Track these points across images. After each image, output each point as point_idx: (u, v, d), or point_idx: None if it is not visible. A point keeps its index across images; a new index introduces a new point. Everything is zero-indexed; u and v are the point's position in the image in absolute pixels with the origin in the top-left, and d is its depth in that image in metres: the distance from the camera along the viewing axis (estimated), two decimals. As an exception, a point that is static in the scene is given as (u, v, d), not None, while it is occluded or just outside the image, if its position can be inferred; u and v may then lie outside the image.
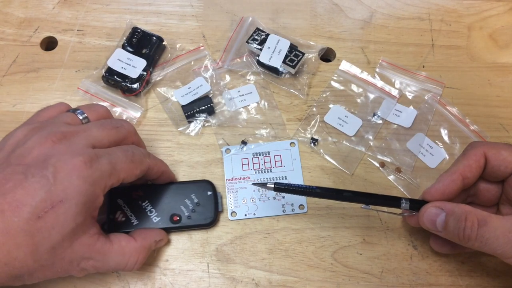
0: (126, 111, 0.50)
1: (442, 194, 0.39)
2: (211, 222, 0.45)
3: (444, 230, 0.37)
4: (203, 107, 0.50)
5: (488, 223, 0.34)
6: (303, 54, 0.51)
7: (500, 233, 0.34)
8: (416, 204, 0.40)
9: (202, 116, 0.50)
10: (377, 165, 0.48)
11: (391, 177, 0.48)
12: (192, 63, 0.53)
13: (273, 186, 0.40)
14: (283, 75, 0.52)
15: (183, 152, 0.49)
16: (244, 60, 0.53)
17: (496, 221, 0.34)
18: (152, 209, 0.44)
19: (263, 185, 0.41)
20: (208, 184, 0.46)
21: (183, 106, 0.50)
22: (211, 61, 0.53)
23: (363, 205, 0.40)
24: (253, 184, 0.42)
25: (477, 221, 0.35)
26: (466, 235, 0.35)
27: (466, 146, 0.41)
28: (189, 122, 0.50)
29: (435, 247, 0.43)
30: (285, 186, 0.40)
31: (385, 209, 0.41)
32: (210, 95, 0.51)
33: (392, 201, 0.40)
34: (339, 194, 0.40)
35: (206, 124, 0.50)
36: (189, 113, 0.50)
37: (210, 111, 0.50)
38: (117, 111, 0.50)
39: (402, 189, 0.47)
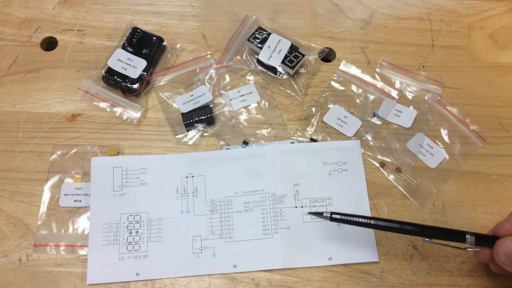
0: (126, 111, 0.50)
1: None
2: None
3: None
4: (202, 117, 0.49)
5: None
6: (303, 55, 0.51)
7: None
8: (483, 240, 0.38)
9: (201, 126, 0.49)
10: (377, 165, 0.48)
11: (391, 177, 0.48)
12: (198, 70, 0.52)
13: (329, 216, 0.40)
14: (281, 75, 0.52)
15: (184, 152, 0.49)
16: (244, 58, 0.53)
17: None
18: None
19: (319, 214, 0.41)
20: None
21: (183, 114, 0.50)
22: (213, 62, 0.53)
23: (426, 239, 0.39)
24: (309, 213, 0.45)
25: None
26: None
27: None
28: (188, 130, 0.50)
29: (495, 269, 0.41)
30: (342, 216, 0.40)
31: (449, 243, 0.39)
32: (211, 105, 0.51)
33: (456, 235, 0.39)
34: (400, 227, 0.39)
35: (205, 134, 0.50)
36: (188, 121, 0.49)
37: (210, 122, 0.50)
38: (117, 111, 0.50)
39: (402, 189, 0.47)
